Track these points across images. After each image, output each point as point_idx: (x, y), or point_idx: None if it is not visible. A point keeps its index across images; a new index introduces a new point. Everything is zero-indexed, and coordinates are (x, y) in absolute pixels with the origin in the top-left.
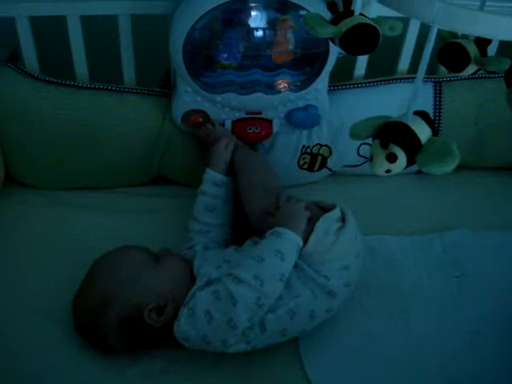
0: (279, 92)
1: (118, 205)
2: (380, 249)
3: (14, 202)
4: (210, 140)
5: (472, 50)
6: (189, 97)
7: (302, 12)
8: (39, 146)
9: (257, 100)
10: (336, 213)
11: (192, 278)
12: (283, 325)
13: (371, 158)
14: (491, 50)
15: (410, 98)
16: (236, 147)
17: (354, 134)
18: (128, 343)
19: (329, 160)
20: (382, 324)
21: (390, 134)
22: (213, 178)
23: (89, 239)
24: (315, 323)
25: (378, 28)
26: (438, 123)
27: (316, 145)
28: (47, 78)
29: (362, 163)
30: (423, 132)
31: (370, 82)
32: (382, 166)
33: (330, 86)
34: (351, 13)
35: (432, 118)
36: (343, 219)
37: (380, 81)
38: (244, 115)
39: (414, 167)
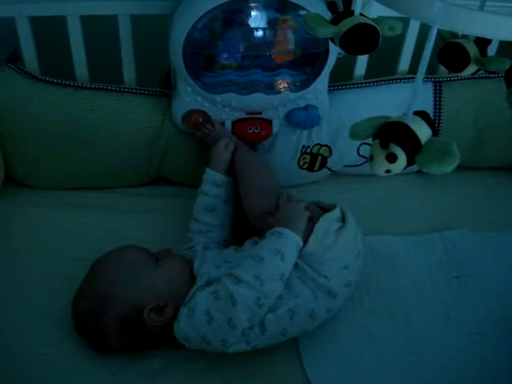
0: (279, 92)
1: (118, 205)
2: (380, 249)
3: (14, 203)
4: (210, 140)
5: (472, 50)
6: (189, 97)
7: (302, 12)
8: (39, 146)
9: (257, 100)
10: (336, 213)
11: (192, 278)
12: (283, 325)
13: (371, 158)
14: (491, 50)
15: (409, 98)
16: (236, 147)
17: (353, 134)
18: (128, 343)
19: (329, 160)
20: (383, 324)
21: (390, 134)
22: (213, 178)
23: (89, 239)
24: (316, 323)
25: (378, 28)
26: (438, 123)
27: (316, 145)
28: (47, 78)
29: (362, 163)
30: (423, 132)
31: (369, 82)
32: (381, 166)
33: (330, 86)
34: (351, 13)
35: (432, 117)
36: (343, 219)
37: (380, 81)
38: (244, 115)
39: (414, 167)
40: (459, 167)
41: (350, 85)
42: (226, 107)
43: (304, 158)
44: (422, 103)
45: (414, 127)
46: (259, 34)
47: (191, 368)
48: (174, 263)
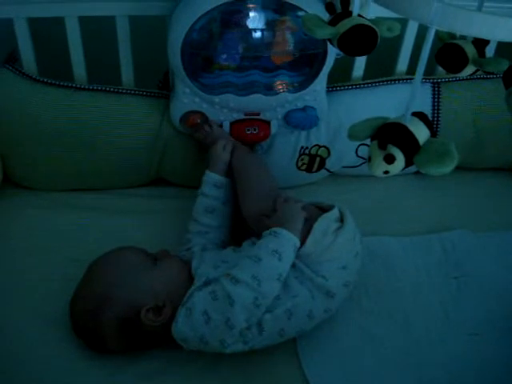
0: (277, 93)
1: (116, 206)
2: (379, 249)
3: (12, 204)
4: (209, 141)
5: (470, 50)
6: (187, 98)
7: (300, 13)
8: (37, 148)
9: (255, 101)
10: (334, 213)
11: (190, 279)
12: (281, 325)
13: (369, 159)
14: (489, 51)
15: (408, 99)
16: (234, 148)
17: (352, 135)
18: (126, 344)
19: (327, 161)
20: (381, 324)
21: (388, 135)
22: (212, 180)
23: (87, 241)
24: (314, 323)
25: (376, 29)
26: (437, 124)
27: (314, 146)
28: (45, 80)
29: (361, 164)
30: (421, 133)
31: (368, 83)
32: (380, 167)
33: (328, 87)
34: (349, 14)
35: (430, 118)
36: (342, 219)
37: (378, 82)
38: (242, 116)
39: (413, 168)
40: (458, 168)
41: (349, 86)
42: (224, 108)
43: (302, 159)
44: (421, 104)
45: (412, 128)
46: (257, 35)
47: (189, 368)
48: (172, 264)
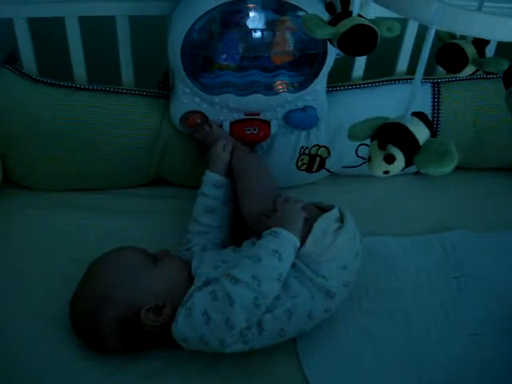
0: (277, 93)
1: (116, 206)
2: (379, 249)
3: (12, 204)
4: (208, 141)
5: (470, 50)
6: (187, 98)
7: (301, 13)
8: (37, 148)
9: (255, 101)
10: (334, 213)
11: (190, 279)
12: (281, 325)
13: (369, 159)
14: (489, 51)
15: (408, 99)
16: (234, 148)
17: (352, 135)
18: (126, 344)
19: (327, 161)
20: (381, 324)
21: (388, 135)
22: (212, 180)
23: (87, 241)
24: (314, 323)
25: (376, 29)
26: (437, 124)
27: (314, 146)
28: (45, 80)
29: (361, 164)
30: (421, 133)
31: (368, 83)
32: (379, 167)
33: (328, 87)
34: (349, 14)
35: (430, 118)
36: (342, 219)
37: (378, 82)
38: (242, 116)
39: (413, 168)
40: (458, 168)
41: (349, 86)
42: (224, 108)
43: (302, 159)
44: (421, 104)
45: (412, 128)
46: (257, 35)
47: (189, 368)
48: (172, 264)
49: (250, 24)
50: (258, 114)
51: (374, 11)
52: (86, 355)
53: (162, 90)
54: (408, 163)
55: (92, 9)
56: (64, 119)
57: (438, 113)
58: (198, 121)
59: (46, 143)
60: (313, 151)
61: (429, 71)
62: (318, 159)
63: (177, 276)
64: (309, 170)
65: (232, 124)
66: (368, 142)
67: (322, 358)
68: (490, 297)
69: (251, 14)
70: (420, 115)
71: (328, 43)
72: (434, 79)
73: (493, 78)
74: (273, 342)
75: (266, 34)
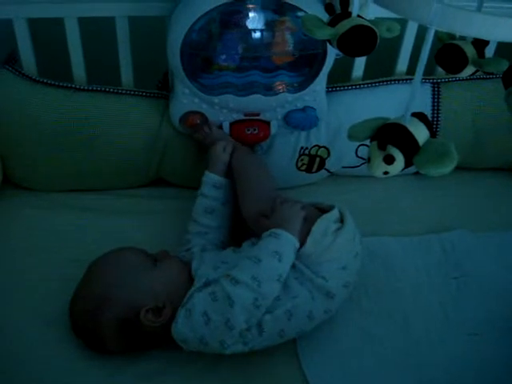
0: (277, 93)
1: (116, 206)
2: (379, 250)
3: (11, 204)
4: (208, 142)
5: (470, 51)
6: (186, 98)
7: (300, 13)
8: (37, 148)
9: (255, 101)
10: (334, 213)
11: (190, 280)
12: (281, 326)
13: (369, 160)
14: (489, 52)
15: (407, 100)
16: (234, 149)
17: (352, 136)
18: (125, 344)
19: (327, 161)
20: (381, 325)
21: (388, 135)
22: (212, 181)
23: (87, 241)
24: (313, 324)
25: (376, 29)
26: (437, 124)
27: (314, 146)
28: (45, 80)
29: (361, 164)
30: (421, 133)
31: (367, 84)
32: (379, 167)
33: (328, 88)
34: (349, 14)
35: (430, 119)
36: (342, 220)
37: (378, 82)
38: (242, 117)
39: (412, 168)
40: (457, 168)
41: (348, 86)
42: (224, 109)
43: (302, 160)
44: (421, 104)
45: (411, 129)
46: (257, 35)
47: (189, 369)
48: (172, 265)
49: (250, 24)
50: (258, 115)
51: (373, 12)
52: (85, 355)
53: (162, 90)
54: (408, 164)
55: (91, 9)
56: (64, 120)
57: (437, 113)
58: (198, 121)
59: (45, 144)
60: (312, 151)
61: (428, 71)
62: (317, 159)
63: (177, 277)
64: (308, 170)
65: (232, 124)
66: (368, 142)
67: (322, 359)
68: (489, 297)
69: (251, 14)
70: (420, 116)
71: (328, 43)
72: (433, 79)
73: (492, 78)
74: (273, 343)
75: (266, 35)
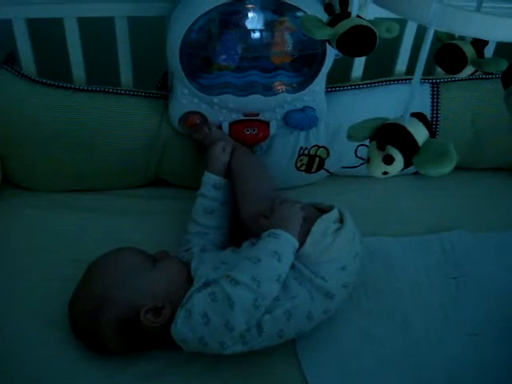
0: (276, 94)
1: (115, 207)
2: (378, 250)
3: (11, 205)
4: (207, 142)
5: (469, 51)
6: (186, 99)
7: (299, 14)
8: (36, 149)
9: (254, 102)
10: (334, 214)
11: (189, 280)
12: (280, 326)
13: (368, 160)
14: (488, 52)
15: (407, 100)
16: (234, 149)
17: (351, 136)
18: (125, 345)
19: (326, 161)
20: (381, 325)
21: (387, 135)
22: (211, 181)
23: (86, 241)
24: (313, 324)
25: (375, 30)
26: (436, 124)
27: (313, 146)
28: (44, 81)
29: (360, 165)
30: (420, 134)
31: (367, 84)
32: (379, 167)
33: (327, 88)
34: (348, 15)
35: (429, 119)
36: (341, 220)
37: (377, 82)
38: (241, 117)
39: (412, 168)
40: (457, 168)
41: (348, 86)
42: (223, 109)
43: (301, 160)
44: (420, 104)
45: (410, 129)
46: (256, 35)
47: (189, 370)
48: (172, 265)
49: (249, 25)
50: (257, 115)
51: (372, 12)
52: (85, 356)
53: (161, 90)
54: (407, 164)
55: (91, 10)
56: (63, 120)
57: (437, 113)
58: (197, 121)
59: (44, 144)
60: (312, 152)
61: (428, 71)
62: (317, 160)
63: (176, 277)
64: (308, 170)
65: (231, 124)
66: (367, 142)
67: (322, 359)
68: (489, 297)
69: (250, 14)
70: (419, 116)
71: (327, 44)
72: (433, 79)
73: (492, 78)
74: (272, 343)
75: (265, 35)
